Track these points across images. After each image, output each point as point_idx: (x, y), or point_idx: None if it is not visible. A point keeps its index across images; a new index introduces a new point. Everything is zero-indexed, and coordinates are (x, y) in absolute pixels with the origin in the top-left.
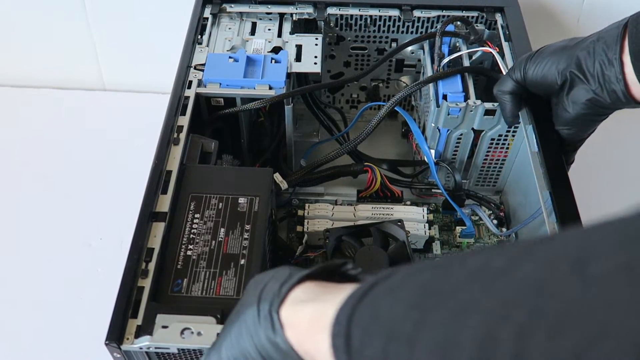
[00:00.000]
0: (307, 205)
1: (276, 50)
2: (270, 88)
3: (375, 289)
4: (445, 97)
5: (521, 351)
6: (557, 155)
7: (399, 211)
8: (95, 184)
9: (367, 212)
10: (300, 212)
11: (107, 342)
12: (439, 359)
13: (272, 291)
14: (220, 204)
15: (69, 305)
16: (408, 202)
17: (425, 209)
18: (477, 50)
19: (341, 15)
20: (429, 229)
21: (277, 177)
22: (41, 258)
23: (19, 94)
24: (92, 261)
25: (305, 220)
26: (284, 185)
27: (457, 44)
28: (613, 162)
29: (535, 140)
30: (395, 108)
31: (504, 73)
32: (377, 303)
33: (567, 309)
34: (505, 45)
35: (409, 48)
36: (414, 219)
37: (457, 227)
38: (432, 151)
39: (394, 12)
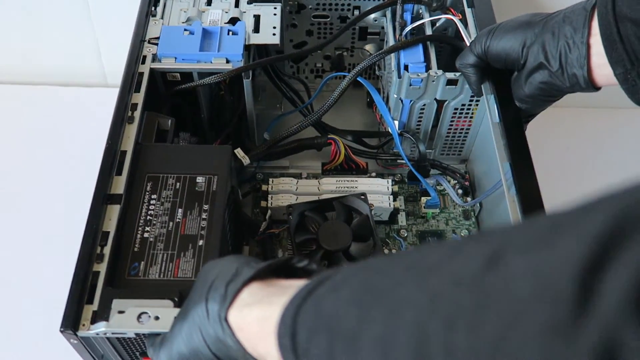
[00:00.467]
0: (271, 180)
1: (233, 21)
2: (228, 61)
3: (318, 288)
4: (406, 67)
5: (449, 344)
6: (519, 126)
7: (363, 183)
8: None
9: (332, 186)
10: (264, 187)
11: (61, 329)
12: (381, 353)
13: (218, 292)
14: (178, 183)
15: (53, 289)
16: (373, 174)
17: (389, 180)
18: (440, 18)
19: None
20: (394, 200)
21: (239, 152)
22: (41, 253)
23: (22, 91)
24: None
25: (269, 196)
26: (246, 160)
27: (420, 11)
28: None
29: (496, 111)
30: (359, 79)
31: (467, 41)
32: (320, 302)
33: (482, 302)
34: (468, 11)
35: (372, 15)
36: (378, 191)
37: (423, 198)
38: (396, 122)
39: None
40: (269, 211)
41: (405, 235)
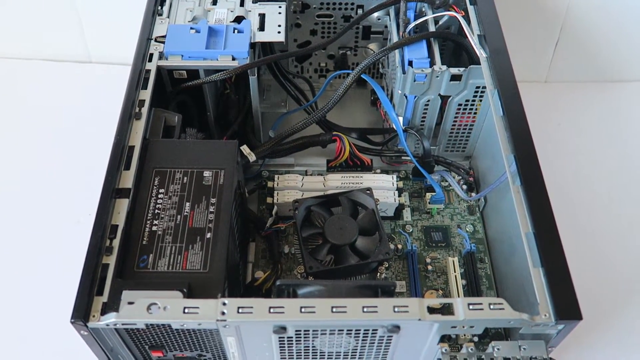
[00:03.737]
0: (276, 176)
1: (239, 19)
2: (234, 59)
3: None
4: (410, 63)
5: None
6: (522, 120)
7: (368, 179)
8: (83, 158)
9: (337, 182)
10: (270, 184)
11: (72, 320)
12: None
13: None
14: (185, 178)
15: (58, 280)
16: (378, 170)
17: (394, 176)
18: (443, 15)
19: None
20: (399, 196)
21: (245, 149)
22: (30, 234)
23: (4, 66)
24: (80, 237)
25: (275, 192)
26: (252, 157)
27: (423, 9)
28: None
29: (500, 105)
30: (363, 76)
31: (470, 38)
32: None
33: None
34: (470, 9)
35: (375, 14)
36: (383, 187)
37: (427, 194)
38: (400, 118)
39: None
40: (275, 207)
41: (411, 230)
